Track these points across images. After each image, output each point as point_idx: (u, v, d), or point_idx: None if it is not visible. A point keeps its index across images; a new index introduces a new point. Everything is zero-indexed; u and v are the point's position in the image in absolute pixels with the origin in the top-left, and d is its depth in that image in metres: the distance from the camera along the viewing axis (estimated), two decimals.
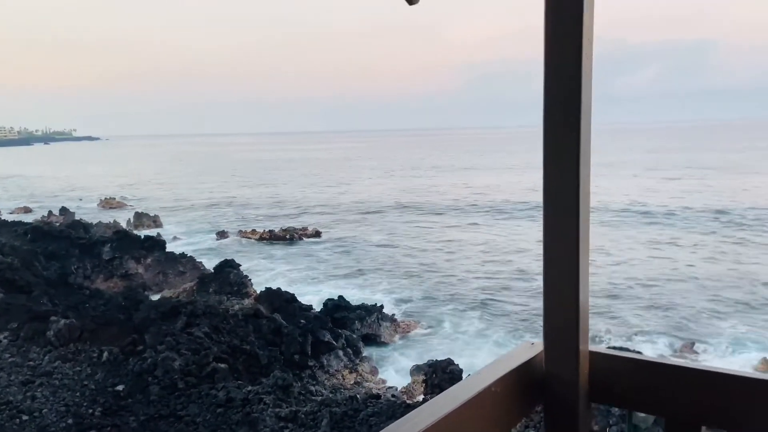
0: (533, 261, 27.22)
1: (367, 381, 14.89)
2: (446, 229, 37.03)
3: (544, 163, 1.50)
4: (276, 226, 36.58)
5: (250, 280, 21.43)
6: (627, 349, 14.06)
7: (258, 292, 19.99)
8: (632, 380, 1.59)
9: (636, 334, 18.68)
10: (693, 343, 17.81)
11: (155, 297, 19.35)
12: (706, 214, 38.26)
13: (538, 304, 21.68)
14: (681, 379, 1.54)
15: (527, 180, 58.93)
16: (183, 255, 25.04)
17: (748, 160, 78.31)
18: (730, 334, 18.61)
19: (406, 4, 1.91)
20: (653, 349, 17.48)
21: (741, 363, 16.37)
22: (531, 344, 1.65)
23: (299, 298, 18.58)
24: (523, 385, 1.58)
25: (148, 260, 24.32)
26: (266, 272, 27.15)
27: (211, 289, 20.45)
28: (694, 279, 24.24)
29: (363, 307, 18.93)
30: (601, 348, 1.68)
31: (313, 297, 21.49)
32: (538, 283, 23.30)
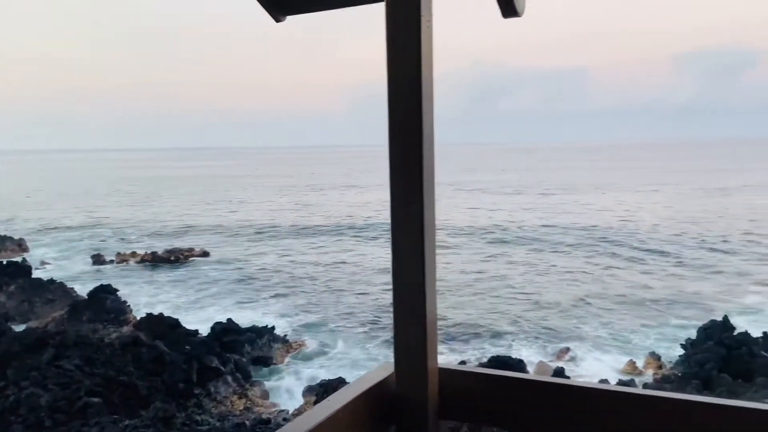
0: None
1: (257, 406, 14.42)
2: (342, 247, 37.08)
3: (390, 184, 1.53)
4: (159, 248, 34.72)
5: (129, 306, 20.12)
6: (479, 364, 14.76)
7: (138, 318, 18.81)
8: (480, 395, 1.62)
9: None
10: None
11: (19, 328, 17.56)
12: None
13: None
14: (528, 392, 1.58)
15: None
16: (52, 281, 22.99)
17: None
18: None
19: (276, 19, 1.88)
20: None
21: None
22: (387, 364, 1.65)
23: (185, 323, 17.68)
24: (373, 407, 1.56)
25: (11, 288, 22.10)
26: (148, 297, 25.64)
27: (84, 318, 18.94)
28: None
29: (254, 329, 18.39)
30: (451, 364, 1.71)
31: (200, 321, 20.56)
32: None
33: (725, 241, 36.47)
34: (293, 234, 42.72)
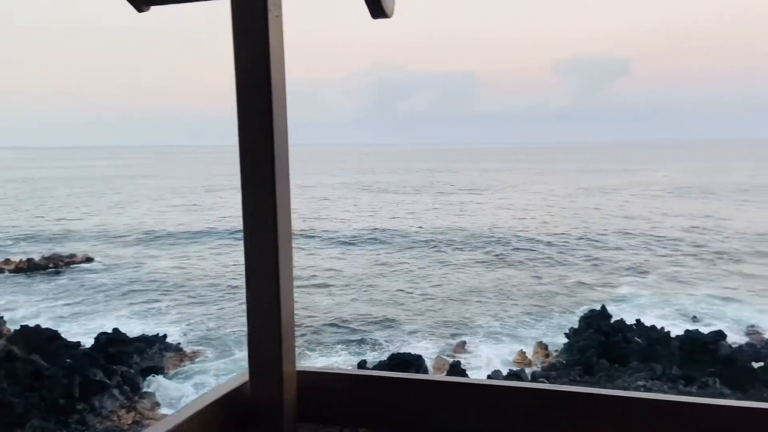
0: (321, 279, 27.85)
1: (147, 419, 13.66)
2: (240, 250, 35.99)
3: (241, 185, 1.47)
4: (36, 254, 32.01)
5: (2, 318, 18.37)
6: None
7: (12, 331, 17.21)
8: (342, 396, 1.60)
9: None
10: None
11: None
12: None
13: (321, 323, 22.04)
14: (390, 390, 1.57)
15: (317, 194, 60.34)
16: None
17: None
18: None
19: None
20: None
21: None
22: (247, 371, 1.60)
23: (68, 335, 16.43)
24: (227, 416, 1.50)
25: None
26: (25, 308, 23.56)
27: None
28: None
29: (143, 339, 17.42)
30: (310, 366, 1.68)
31: (85, 332, 19.18)
32: (325, 303, 23.92)
33: (602, 235, 39.50)
34: (187, 237, 40.98)
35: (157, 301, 25.10)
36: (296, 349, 1.60)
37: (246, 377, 1.55)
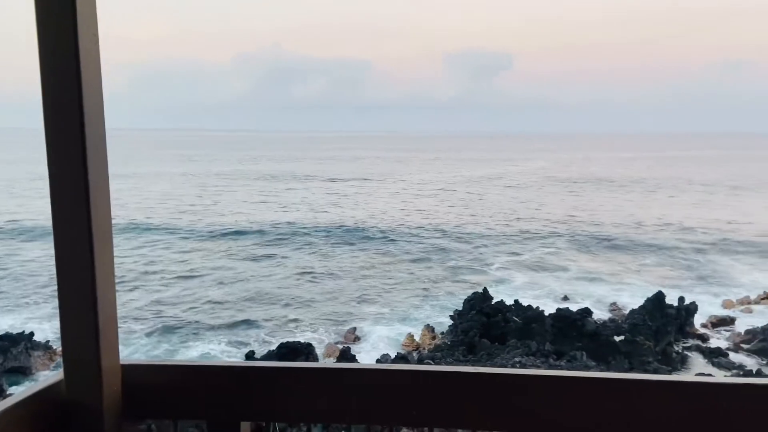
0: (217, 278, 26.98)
1: None
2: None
3: (49, 178, 1.37)
4: None
5: None
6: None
7: None
8: (174, 389, 1.53)
9: None
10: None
11: None
12: None
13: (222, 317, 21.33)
14: (217, 380, 1.53)
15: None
16: None
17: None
18: None
19: None
20: None
21: None
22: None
23: None
24: (36, 417, 1.39)
25: None
26: None
27: None
28: None
29: (7, 337, 15.98)
30: (134, 360, 1.59)
31: None
32: (230, 302, 23.14)
33: (484, 222, 41.54)
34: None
35: (26, 296, 23.10)
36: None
37: (58, 376, 1.44)
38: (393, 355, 16.05)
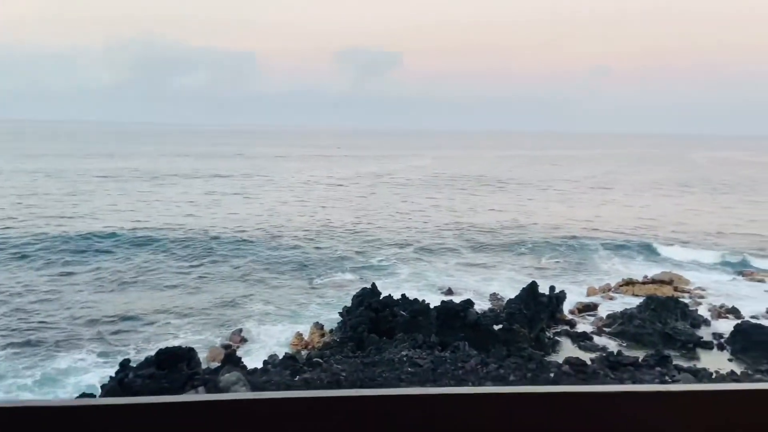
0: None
1: None
2: None
3: None
4: None
5: None
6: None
7: None
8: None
9: None
10: None
11: None
12: None
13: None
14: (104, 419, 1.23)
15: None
16: None
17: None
18: None
19: None
20: None
21: None
22: None
23: None
24: None
25: None
26: None
27: None
28: None
29: None
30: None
31: None
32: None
33: (372, 219, 42.08)
34: None
35: None
36: None
37: None
38: (281, 356, 15.76)
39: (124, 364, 14.44)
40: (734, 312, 22.68)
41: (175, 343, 17.06)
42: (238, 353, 16.71)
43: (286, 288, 24.70)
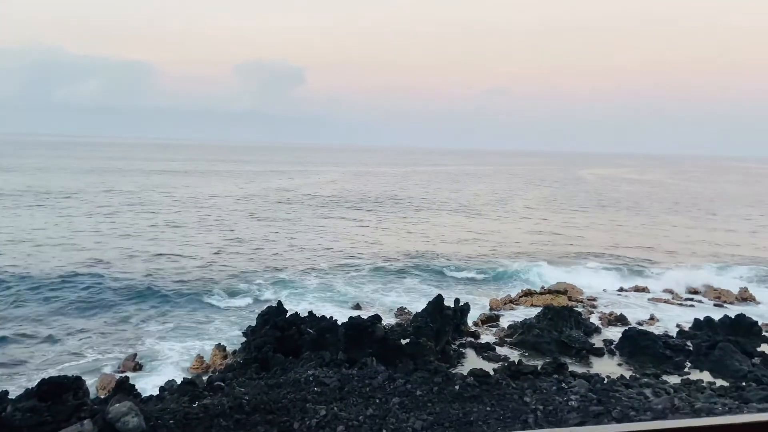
0: None
1: None
2: None
3: None
4: None
5: None
6: None
7: None
8: None
9: None
10: None
11: None
12: None
13: None
14: None
15: None
16: None
17: None
18: None
19: None
20: None
21: None
22: None
23: None
24: None
25: None
26: None
27: None
28: None
29: None
30: None
31: None
32: None
33: (250, 234, 41.30)
34: None
35: None
36: None
37: None
38: (179, 380, 14.86)
39: (1, 397, 12.99)
40: (622, 319, 24.27)
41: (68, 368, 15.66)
42: (133, 380, 15.58)
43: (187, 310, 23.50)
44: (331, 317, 18.66)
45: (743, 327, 21.99)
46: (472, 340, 21.17)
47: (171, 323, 21.37)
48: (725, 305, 27.68)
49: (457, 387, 13.07)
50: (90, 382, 14.90)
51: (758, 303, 28.15)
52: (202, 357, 18.07)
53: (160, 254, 33.05)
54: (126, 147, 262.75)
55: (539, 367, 16.27)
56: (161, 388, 14.61)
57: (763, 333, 22.24)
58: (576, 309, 24.15)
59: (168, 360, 18.48)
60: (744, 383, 16.76)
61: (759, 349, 20.40)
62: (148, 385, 16.17)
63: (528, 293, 27.55)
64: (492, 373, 15.00)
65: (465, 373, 14.31)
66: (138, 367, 17.81)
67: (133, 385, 14.82)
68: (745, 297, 28.75)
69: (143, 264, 30.36)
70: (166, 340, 19.94)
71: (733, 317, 22.62)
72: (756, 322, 22.32)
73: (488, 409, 11.94)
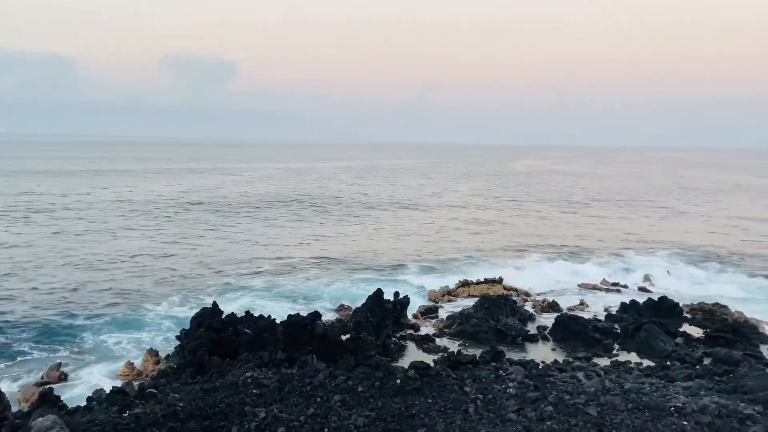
0: None
1: None
2: None
3: None
4: None
5: None
6: None
7: None
8: None
9: None
10: None
11: None
12: None
13: None
14: None
15: None
16: None
17: None
18: None
19: None
20: None
21: None
22: None
23: None
24: None
25: None
26: None
27: None
28: None
29: None
30: None
31: None
32: None
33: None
34: None
35: None
36: None
37: None
38: (108, 389, 14.12)
39: None
40: (554, 306, 25.09)
41: None
42: (58, 391, 14.70)
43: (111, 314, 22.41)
44: (269, 316, 18.26)
45: (665, 308, 23.22)
46: (413, 332, 21.30)
47: (99, 330, 20.34)
48: (649, 288, 29.15)
49: (398, 381, 13.07)
50: (11, 394, 13.98)
51: (677, 284, 29.81)
52: (133, 363, 17.30)
53: (82, 259, 31.44)
54: (45, 145, 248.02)
55: (478, 356, 16.54)
56: (89, 399, 13.85)
57: (685, 314, 23.56)
58: (511, 297, 24.76)
59: (96, 368, 17.59)
60: (669, 362, 17.68)
61: (681, 329, 21.61)
62: (74, 395, 15.34)
63: (465, 284, 28.01)
64: (432, 364, 15.10)
65: (406, 366, 14.34)
66: (63, 377, 16.84)
67: (59, 397, 14.00)
68: (648, 282, 30.33)
69: (65, 273, 28.79)
70: (94, 347, 18.97)
71: (656, 300, 23.83)
72: (677, 304, 23.62)
73: (429, 401, 12.00)
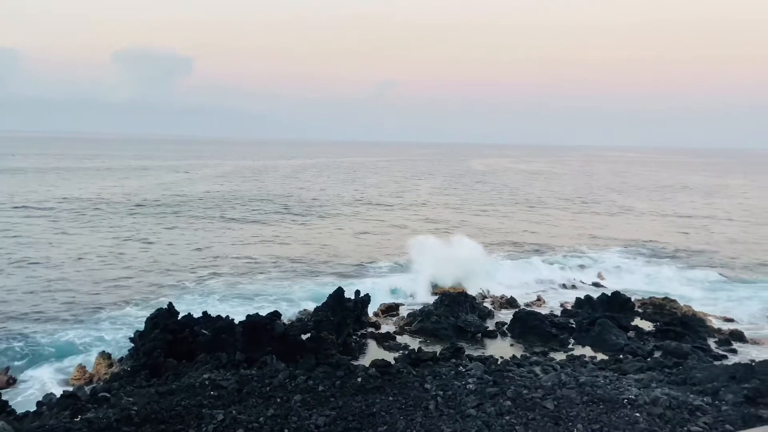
0: None
1: None
2: None
3: None
4: None
5: None
6: None
7: None
8: None
9: None
10: None
11: None
12: None
13: None
14: None
15: None
16: None
17: None
18: None
19: None
20: None
21: None
22: None
23: None
24: None
25: None
26: None
27: None
28: None
29: None
30: None
31: None
32: None
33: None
34: None
35: None
36: None
37: None
38: (59, 394, 13.64)
39: None
40: (512, 302, 25.52)
41: None
42: (6, 396, 14.11)
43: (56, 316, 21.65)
44: (228, 316, 17.93)
45: (618, 303, 23.91)
46: (373, 330, 21.31)
47: (49, 333, 19.60)
48: (602, 284, 29.96)
49: (359, 379, 13.05)
50: None
51: (629, 279, 30.72)
52: (85, 367, 16.76)
53: (33, 261, 30.30)
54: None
55: (438, 353, 16.68)
56: (38, 403, 13.35)
57: (636, 308, 24.31)
58: (470, 294, 25.05)
59: (46, 372, 16.95)
60: (621, 356, 18.22)
61: (633, 323, 22.29)
62: (23, 400, 14.77)
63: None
64: (393, 362, 15.15)
65: (367, 365, 14.34)
66: (12, 381, 16.19)
67: (6, 402, 13.45)
68: (601, 278, 31.19)
69: (13, 275, 27.69)
70: (44, 350, 18.27)
71: (609, 295, 24.52)
72: (629, 299, 24.36)
73: (390, 399, 12.03)
